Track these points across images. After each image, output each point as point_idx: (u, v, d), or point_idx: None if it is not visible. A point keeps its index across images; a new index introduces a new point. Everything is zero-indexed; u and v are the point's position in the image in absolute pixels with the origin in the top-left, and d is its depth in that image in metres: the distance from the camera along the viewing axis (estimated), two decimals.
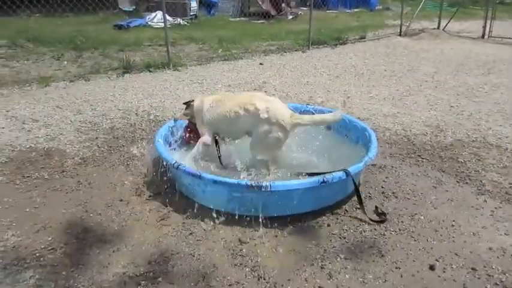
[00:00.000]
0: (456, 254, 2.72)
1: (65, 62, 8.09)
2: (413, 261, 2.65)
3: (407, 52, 9.94)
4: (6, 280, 2.50)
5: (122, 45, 9.46)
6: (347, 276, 2.52)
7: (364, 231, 2.95)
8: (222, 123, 3.53)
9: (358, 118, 4.85)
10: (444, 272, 2.56)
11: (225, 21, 14.80)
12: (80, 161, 4.04)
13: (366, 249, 2.75)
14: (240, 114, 3.38)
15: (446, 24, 13.65)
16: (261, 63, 8.39)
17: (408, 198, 3.40)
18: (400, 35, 12.51)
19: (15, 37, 9.51)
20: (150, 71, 7.56)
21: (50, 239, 2.87)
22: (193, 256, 2.69)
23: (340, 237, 2.88)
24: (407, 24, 12.98)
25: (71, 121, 5.05)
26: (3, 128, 4.80)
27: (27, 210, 3.22)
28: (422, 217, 3.13)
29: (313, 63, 8.50)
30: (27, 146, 4.32)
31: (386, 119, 5.22)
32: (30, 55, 8.47)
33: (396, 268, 2.58)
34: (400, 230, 2.97)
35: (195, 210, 3.17)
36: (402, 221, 3.08)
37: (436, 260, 2.65)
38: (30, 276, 2.52)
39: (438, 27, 13.80)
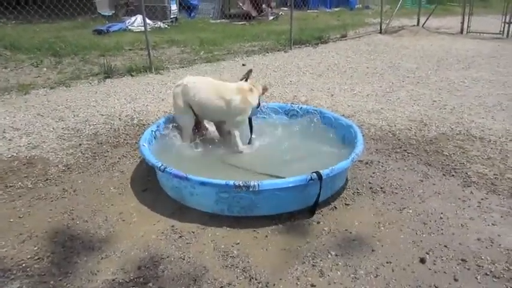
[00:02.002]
0: (445, 246, 2.74)
1: (44, 69, 7.95)
2: (404, 254, 2.67)
3: (388, 49, 10.05)
4: None
5: (102, 50, 9.35)
6: (339, 272, 2.52)
7: (354, 227, 2.96)
8: None
9: (343, 115, 4.90)
10: (434, 264, 2.58)
11: (206, 24, 14.77)
12: (63, 168, 3.98)
13: (356, 245, 2.76)
14: None
15: (425, 21, 13.85)
16: (243, 64, 8.38)
17: (396, 193, 3.43)
18: (380, 32, 12.65)
19: None
20: (132, 75, 7.49)
21: (36, 248, 2.82)
22: (184, 259, 2.66)
23: (330, 234, 2.89)
24: (387, 22, 13.13)
25: (53, 128, 4.97)
26: None
27: (11, 220, 3.15)
28: (410, 211, 3.16)
29: (295, 62, 8.53)
30: (9, 156, 4.24)
31: (370, 115, 5.26)
32: (8, 63, 8.30)
33: (387, 262, 2.59)
34: (389, 224, 2.99)
35: (183, 213, 3.15)
36: (391, 216, 3.10)
37: (426, 253, 2.67)
38: None
39: (417, 24, 14.00)
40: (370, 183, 3.59)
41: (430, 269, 2.54)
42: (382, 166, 3.90)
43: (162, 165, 3.16)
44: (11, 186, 3.64)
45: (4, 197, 3.50)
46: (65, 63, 8.41)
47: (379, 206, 3.24)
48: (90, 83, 7.03)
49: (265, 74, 7.57)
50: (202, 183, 2.95)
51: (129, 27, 12.83)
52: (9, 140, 4.63)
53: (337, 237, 2.85)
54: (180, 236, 2.89)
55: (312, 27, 13.03)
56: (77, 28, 12.84)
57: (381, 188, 3.51)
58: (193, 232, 2.94)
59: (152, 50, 8.03)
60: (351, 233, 2.90)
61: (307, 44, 10.53)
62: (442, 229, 2.93)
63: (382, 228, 2.94)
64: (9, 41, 9.64)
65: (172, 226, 3.01)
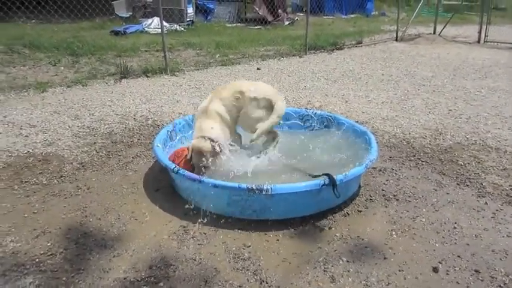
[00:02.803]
0: (459, 256, 2.71)
1: (62, 68, 8.06)
2: (417, 263, 2.64)
3: (404, 57, 9.99)
4: (5, 286, 2.47)
5: (119, 50, 9.46)
6: (350, 279, 2.50)
7: (367, 234, 2.94)
8: None
9: (357, 122, 4.87)
10: (447, 274, 2.55)
11: (222, 27, 14.84)
12: (78, 166, 4.02)
13: (368, 252, 2.74)
14: None
15: (442, 30, 13.75)
16: (258, 68, 8.40)
17: (409, 201, 3.40)
18: (396, 40, 12.59)
19: (11, 43, 9.49)
20: (147, 76, 7.56)
21: (49, 244, 2.84)
22: (195, 260, 2.67)
23: (342, 240, 2.87)
24: (403, 29, 13.06)
25: (68, 126, 5.03)
26: (0, 133, 4.77)
27: (26, 215, 3.19)
28: (423, 219, 3.12)
29: (310, 68, 8.53)
30: (25, 152, 4.29)
31: (385, 122, 5.23)
32: (27, 61, 8.44)
33: (399, 271, 2.57)
34: (402, 232, 2.96)
35: (196, 214, 3.16)
36: (404, 224, 3.07)
37: (439, 262, 2.64)
38: (30, 282, 2.49)
39: (434, 33, 13.90)
40: (383, 190, 3.57)
41: (443, 279, 2.50)
42: (395, 174, 3.87)
43: (175, 166, 3.17)
44: (26, 182, 3.69)
45: (19, 192, 3.54)
46: (82, 62, 8.52)
47: (392, 213, 3.22)
48: (107, 83, 7.10)
49: (279, 78, 7.58)
50: (215, 186, 2.95)
51: (146, 29, 12.95)
52: (26, 136, 4.70)
53: (349, 244, 2.83)
54: (192, 237, 2.89)
55: (327, 33, 13.01)
56: (94, 28, 13.01)
57: (394, 195, 3.48)
58: (205, 234, 2.94)
59: (168, 52, 8.09)
60: (363, 239, 2.88)
61: (322, 50, 10.52)
62: (455, 239, 2.90)
63: (395, 236, 2.92)
64: (29, 40, 9.82)
65: (184, 227, 3.01)
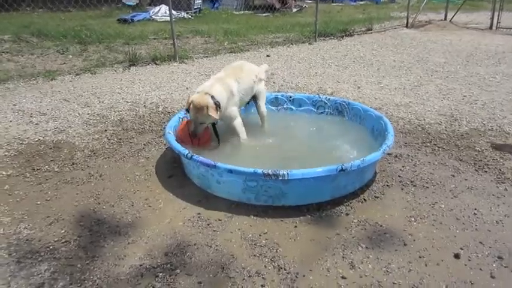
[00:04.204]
0: (481, 243, 2.64)
1: (70, 56, 8.01)
2: (437, 250, 2.58)
3: (415, 43, 9.83)
4: (20, 273, 2.44)
5: (127, 38, 9.39)
6: (370, 265, 2.45)
7: (385, 221, 2.88)
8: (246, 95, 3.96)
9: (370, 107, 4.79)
10: (469, 260, 2.49)
11: (229, 15, 14.70)
12: (89, 153, 3.98)
13: (387, 239, 2.68)
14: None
15: (453, 16, 13.51)
16: (267, 55, 8.30)
17: (427, 187, 3.33)
18: (406, 26, 12.39)
19: (19, 32, 9.44)
20: (156, 64, 7.50)
21: (63, 231, 2.82)
22: (211, 247, 2.62)
23: (360, 227, 2.81)
24: (413, 16, 12.85)
25: (78, 114, 4.99)
26: (10, 121, 4.75)
27: (39, 202, 3.16)
28: (442, 205, 3.06)
29: (320, 54, 8.42)
30: (36, 139, 4.26)
31: (398, 108, 5.14)
32: (35, 49, 8.39)
33: (420, 257, 2.51)
34: (421, 218, 2.90)
35: (210, 201, 3.12)
36: (422, 210, 3.00)
37: (461, 249, 2.58)
38: (45, 269, 2.46)
39: (445, 19, 13.67)
40: (399, 176, 3.50)
41: (465, 265, 2.44)
42: (411, 160, 3.79)
43: (188, 152, 3.12)
44: (38, 170, 3.66)
45: (31, 179, 3.52)
46: (90, 50, 8.46)
47: (409, 199, 3.15)
48: (115, 71, 7.05)
49: (289, 65, 7.48)
50: (230, 171, 2.90)
51: (153, 17, 12.85)
52: (36, 124, 4.67)
53: (367, 230, 2.77)
54: (207, 224, 2.85)
55: (336, 20, 12.84)
56: (101, 17, 12.93)
57: (411, 181, 3.41)
58: (220, 220, 2.90)
59: (176, 40, 8.01)
60: (381, 226, 2.82)
61: (332, 37, 10.39)
62: (476, 225, 2.83)
63: (414, 222, 2.85)
64: (36, 29, 9.76)
65: (199, 214, 2.97)
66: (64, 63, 7.59)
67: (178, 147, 3.26)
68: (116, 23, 11.91)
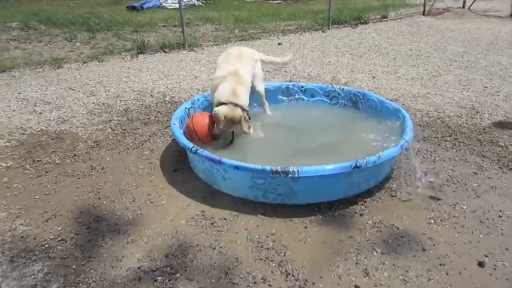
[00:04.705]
0: (507, 249, 2.43)
1: (78, 44, 7.87)
2: (459, 256, 2.37)
3: (432, 31, 9.47)
4: (13, 274, 2.31)
5: (135, 26, 9.21)
6: (385, 273, 2.25)
7: (402, 222, 2.67)
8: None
9: (386, 99, 4.55)
10: (495, 269, 2.28)
11: (241, 2, 14.41)
12: (92, 144, 3.83)
13: (404, 243, 2.48)
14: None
15: (472, 3, 13.04)
16: (279, 43, 8.05)
17: (447, 185, 3.11)
18: (423, 14, 11.98)
19: (28, 19, 9.32)
20: (165, 52, 7.31)
21: (60, 228, 2.68)
22: (214, 249, 2.45)
23: (375, 229, 2.61)
24: (430, 3, 12.42)
25: (83, 103, 4.84)
26: (14, 110, 4.62)
27: (37, 197, 3.03)
28: (464, 206, 2.84)
29: (334, 42, 8.14)
30: (38, 129, 4.13)
31: (416, 99, 4.88)
32: (43, 37, 8.27)
33: (441, 265, 2.30)
34: (441, 220, 2.69)
35: (215, 198, 2.95)
36: (443, 211, 2.79)
37: (485, 256, 2.37)
38: (39, 270, 2.32)
39: (463, 7, 13.19)
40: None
41: (490, 275, 2.24)
42: (430, 155, 3.56)
43: (193, 146, 2.94)
44: (38, 161, 3.53)
45: (31, 172, 3.38)
46: (99, 38, 8.32)
47: (429, 199, 2.93)
48: (123, 59, 6.89)
49: (302, 53, 7.23)
50: (236, 168, 2.71)
51: (163, 4, 12.65)
52: (40, 113, 4.54)
53: (383, 233, 2.57)
54: (212, 223, 2.68)
55: (350, 7, 12.47)
56: (111, 4, 12.77)
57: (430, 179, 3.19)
58: (225, 219, 2.72)
59: (186, 27, 7.80)
60: (398, 228, 2.62)
61: (346, 25, 10.06)
62: (501, 229, 2.61)
63: (434, 225, 2.64)
64: (45, 16, 9.64)
65: (203, 211, 2.80)
66: (71, 50, 7.45)
67: (183, 140, 3.08)
68: (125, 11, 11.74)
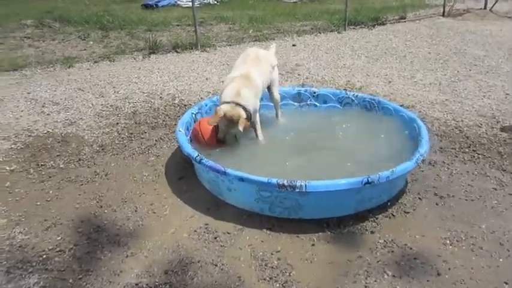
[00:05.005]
0: None
1: (91, 42, 7.85)
2: (477, 282, 2.22)
3: (452, 34, 9.21)
4: (8, 286, 2.24)
5: (149, 25, 9.16)
6: None
7: (416, 242, 2.53)
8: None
9: (402, 105, 4.40)
10: None
11: (256, 1, 14.25)
12: (98, 148, 3.77)
13: (418, 265, 2.34)
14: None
15: (494, 4, 12.70)
16: (293, 45, 7.91)
17: (465, 200, 2.95)
18: (443, 15, 11.69)
19: (42, 17, 9.34)
20: (177, 52, 7.23)
21: (59, 238, 2.61)
22: (216, 266, 2.35)
23: (386, 249, 2.48)
24: (450, 4, 12.12)
25: (92, 104, 4.79)
26: (22, 111, 4.59)
27: (38, 203, 2.97)
28: (483, 226, 2.68)
29: (350, 44, 7.96)
30: (45, 131, 4.08)
31: (433, 107, 4.70)
32: (57, 35, 8.28)
33: None
34: (457, 241, 2.54)
35: (220, 209, 2.86)
36: (460, 231, 2.63)
37: (505, 283, 2.22)
38: (35, 283, 2.26)
39: (485, 8, 12.85)
40: (434, 187, 3.12)
41: None
42: (447, 168, 3.40)
43: (198, 155, 2.84)
44: (42, 166, 3.48)
45: (34, 176, 3.33)
46: (112, 37, 8.29)
47: (445, 216, 2.79)
48: (135, 58, 6.83)
49: (316, 55, 7.08)
50: (241, 179, 2.60)
51: (178, 2, 12.57)
52: (47, 114, 4.50)
53: (395, 253, 2.44)
54: (215, 237, 2.58)
55: (368, 7, 12.23)
56: (126, 2, 12.75)
57: (447, 194, 3.03)
58: (229, 233, 2.62)
59: (199, 27, 7.71)
60: (411, 249, 2.48)
61: (363, 26, 9.84)
62: None
63: (449, 246, 2.50)
64: (59, 14, 9.66)
65: (207, 224, 2.70)
66: (84, 49, 7.43)
67: (188, 148, 2.99)
68: (139, 9, 11.70)
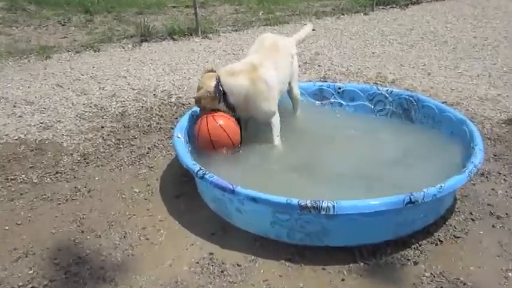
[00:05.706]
0: None
1: (72, 28, 7.83)
2: None
3: (501, 14, 9.07)
4: None
5: (140, 7, 9.14)
6: None
7: (470, 275, 2.41)
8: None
9: (445, 103, 4.29)
10: None
11: None
12: (79, 158, 3.72)
13: None
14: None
15: None
16: (313, 29, 7.81)
17: None
18: None
19: None
20: (173, 39, 7.18)
21: (31, 272, 2.54)
22: None
23: (434, 283, 2.37)
24: None
25: (72, 104, 4.73)
26: None
27: (7, 228, 2.92)
28: None
29: (379, 28, 7.88)
30: (16, 137, 4.04)
31: (483, 103, 4.60)
32: (32, 19, 8.25)
33: None
34: None
35: (227, 235, 2.77)
36: None
37: None
38: None
39: None
40: (489, 205, 3.01)
41: None
42: (504, 180, 3.28)
43: (200, 169, 2.73)
44: (12, 180, 3.43)
45: (3, 193, 3.29)
46: (97, 21, 8.28)
47: (504, 241, 2.67)
48: (123, 47, 6.79)
49: (339, 42, 7.00)
50: (254, 199, 2.49)
51: None
52: (19, 116, 4.46)
53: None
54: (222, 271, 2.48)
55: None
56: None
57: (506, 214, 2.91)
58: (239, 265, 2.52)
59: (200, 8, 7.66)
60: (464, 284, 2.36)
61: (394, 5, 9.74)
62: None
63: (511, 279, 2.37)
64: None
65: (211, 254, 2.60)
66: (64, 37, 7.41)
67: (188, 160, 2.89)
68: None
